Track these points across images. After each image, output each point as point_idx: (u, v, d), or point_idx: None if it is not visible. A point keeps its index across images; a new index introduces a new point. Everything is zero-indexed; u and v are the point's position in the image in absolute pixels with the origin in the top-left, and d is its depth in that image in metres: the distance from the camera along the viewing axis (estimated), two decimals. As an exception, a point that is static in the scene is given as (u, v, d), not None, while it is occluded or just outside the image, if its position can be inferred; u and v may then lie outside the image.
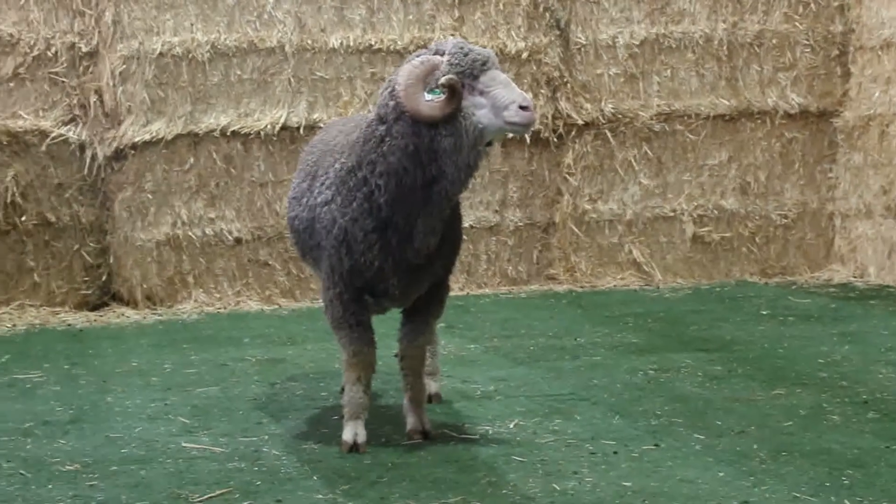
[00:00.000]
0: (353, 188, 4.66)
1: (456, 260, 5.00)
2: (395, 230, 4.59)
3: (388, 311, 5.12)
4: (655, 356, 6.62)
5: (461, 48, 4.48)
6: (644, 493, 4.18)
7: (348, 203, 4.67)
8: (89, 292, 8.65)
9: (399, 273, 4.68)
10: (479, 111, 4.42)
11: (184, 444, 4.94)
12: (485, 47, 4.83)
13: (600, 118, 9.41)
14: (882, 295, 8.73)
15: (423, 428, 4.98)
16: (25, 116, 8.39)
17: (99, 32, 8.53)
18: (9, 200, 8.32)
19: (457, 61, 4.44)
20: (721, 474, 4.39)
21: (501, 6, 9.20)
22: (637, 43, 9.43)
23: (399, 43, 8.92)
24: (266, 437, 5.06)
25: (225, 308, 8.61)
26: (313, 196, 4.90)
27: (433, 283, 4.89)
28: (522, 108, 4.38)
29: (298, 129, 8.78)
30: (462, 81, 4.40)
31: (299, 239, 5.13)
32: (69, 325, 8.11)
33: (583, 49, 9.40)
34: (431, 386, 5.55)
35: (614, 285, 9.37)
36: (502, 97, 4.39)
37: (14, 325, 8.04)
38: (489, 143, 4.59)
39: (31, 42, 8.38)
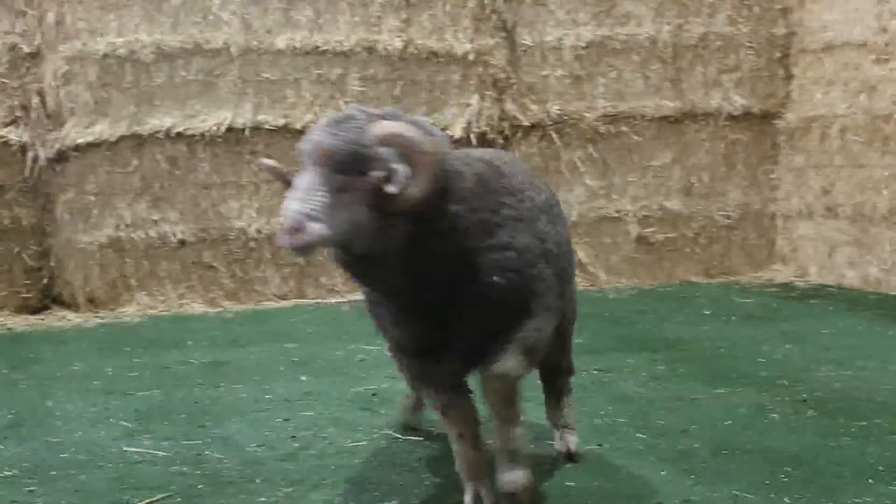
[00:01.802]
0: None
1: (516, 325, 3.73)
2: None
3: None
4: (599, 356, 6.64)
5: (312, 131, 3.43)
6: (587, 492, 4.19)
7: None
8: (30, 295, 8.56)
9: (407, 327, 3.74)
10: None
11: (125, 449, 4.90)
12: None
13: (546, 119, 9.45)
14: (822, 294, 8.84)
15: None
16: (-35, 118, 8.31)
17: (41, 33, 8.44)
18: (-52, 203, 8.24)
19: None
20: (663, 473, 4.41)
21: (448, 8, 9.19)
22: (583, 45, 9.47)
23: (346, 44, 8.88)
24: (209, 440, 5.03)
25: (168, 311, 8.55)
26: None
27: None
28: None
29: (244, 130, 8.73)
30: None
31: None
32: (9, 328, 8.03)
33: (529, 51, 9.43)
34: None
35: (560, 286, 9.37)
36: None
37: (-47, 329, 7.96)
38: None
39: (-29, 43, 8.30)
